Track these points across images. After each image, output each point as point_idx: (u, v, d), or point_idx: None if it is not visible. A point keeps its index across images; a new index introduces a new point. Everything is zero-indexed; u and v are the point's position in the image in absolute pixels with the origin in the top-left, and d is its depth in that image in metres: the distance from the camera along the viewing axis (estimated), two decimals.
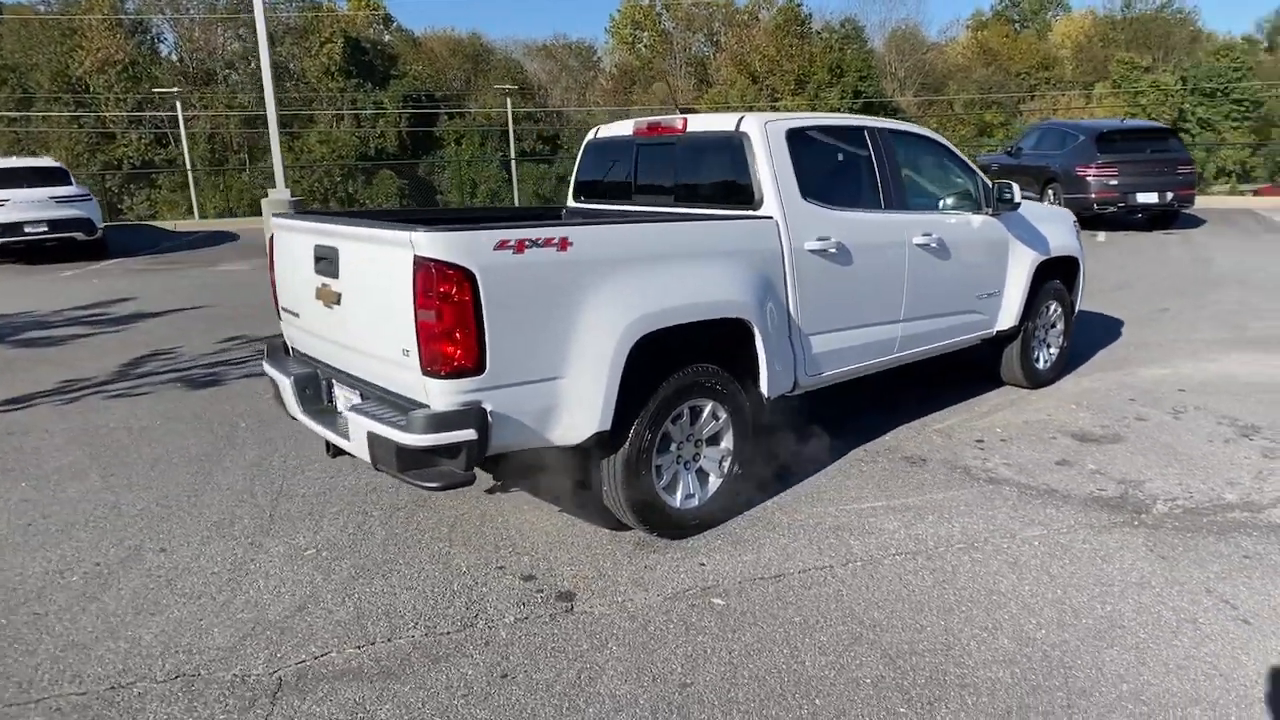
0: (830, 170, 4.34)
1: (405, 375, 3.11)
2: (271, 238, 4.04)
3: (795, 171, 3.99)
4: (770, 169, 3.96)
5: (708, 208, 4.20)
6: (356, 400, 3.45)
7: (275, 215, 4.21)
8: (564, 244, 3.16)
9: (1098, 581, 3.16)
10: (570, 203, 5.19)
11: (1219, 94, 45.85)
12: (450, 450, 3.08)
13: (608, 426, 3.29)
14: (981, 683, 2.59)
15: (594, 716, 2.49)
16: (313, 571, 3.38)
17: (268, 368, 4.01)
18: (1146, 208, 12.96)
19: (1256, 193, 23.29)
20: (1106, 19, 54.04)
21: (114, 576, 3.35)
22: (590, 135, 5.09)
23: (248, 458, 4.62)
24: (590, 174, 5.06)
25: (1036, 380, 5.58)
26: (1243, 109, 45.98)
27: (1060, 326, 5.74)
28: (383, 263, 3.13)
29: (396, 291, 3.02)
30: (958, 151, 5.08)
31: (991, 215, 4.99)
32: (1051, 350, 5.72)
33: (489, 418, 3.09)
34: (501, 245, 3.04)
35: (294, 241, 3.73)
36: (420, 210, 16.51)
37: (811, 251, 3.95)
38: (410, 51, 49.41)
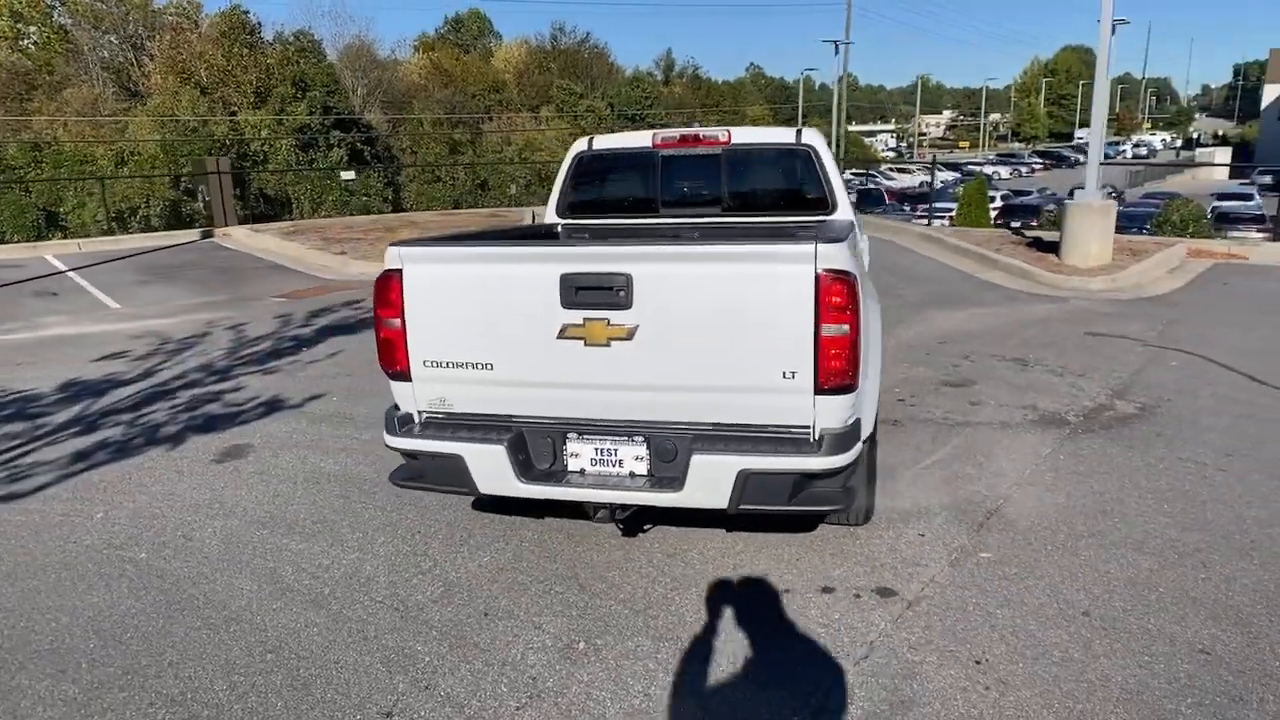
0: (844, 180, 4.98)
1: (780, 402, 3.05)
2: (393, 276, 3.21)
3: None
4: (838, 177, 4.59)
5: (771, 216, 4.46)
6: (633, 450, 3.24)
7: (408, 245, 3.29)
8: None
9: None
10: (554, 218, 4.73)
11: (638, 118, 56.31)
12: (848, 470, 3.13)
13: (873, 426, 3.60)
14: None
15: None
16: None
17: (432, 444, 3.31)
18: None
19: None
20: (540, 49, 61.61)
21: None
22: (579, 148, 4.88)
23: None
24: (587, 189, 4.82)
25: None
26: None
27: None
28: (742, 281, 2.97)
29: (781, 309, 2.93)
30: None
31: None
32: None
33: (861, 432, 3.20)
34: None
35: (494, 275, 3.16)
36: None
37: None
38: None
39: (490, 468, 3.24)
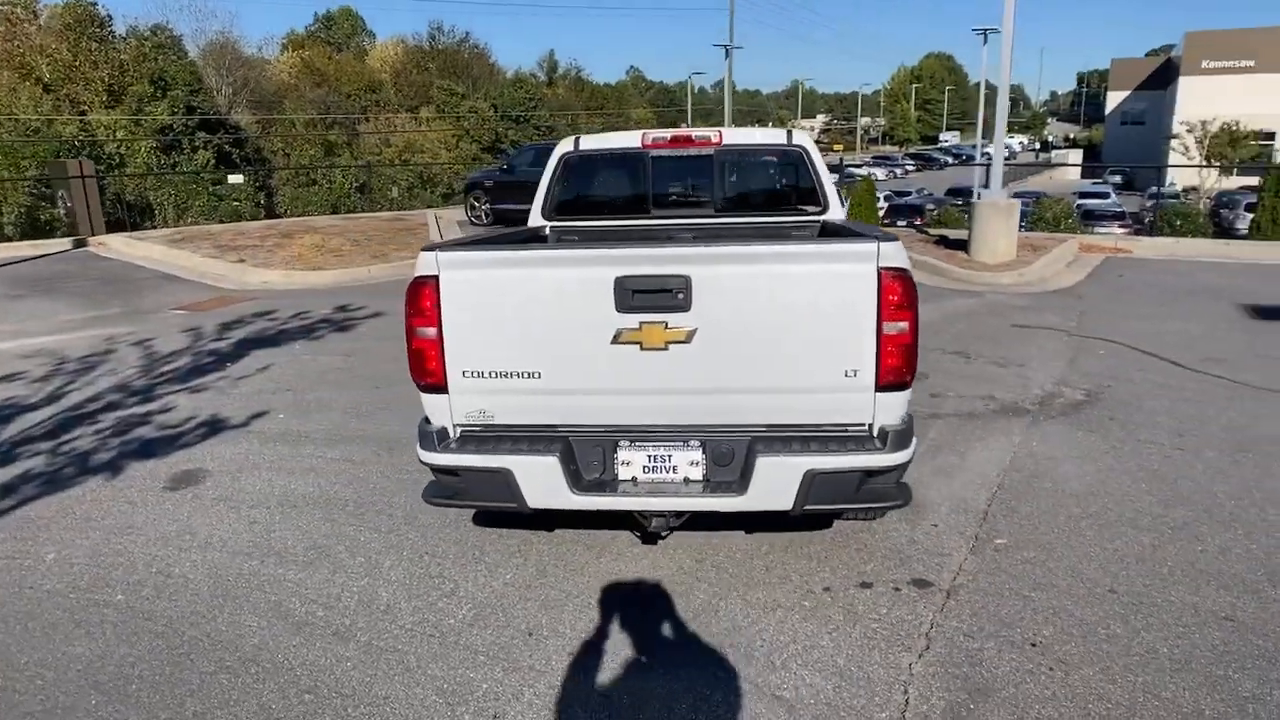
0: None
1: (841, 400, 3.10)
2: (427, 283, 3.05)
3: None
4: (829, 176, 4.67)
5: (764, 215, 4.45)
6: (688, 455, 3.19)
7: (445, 250, 3.10)
8: None
9: None
10: (541, 220, 4.57)
11: (522, 120, 55.78)
12: (903, 467, 3.18)
13: None
14: None
15: None
16: None
17: (476, 458, 3.14)
18: None
19: None
20: (417, 48, 60.14)
21: None
22: (565, 149, 4.78)
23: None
24: (575, 190, 4.72)
25: None
26: (541, 133, 56.86)
27: None
28: (808, 281, 2.99)
29: (843, 308, 2.98)
30: None
31: None
32: None
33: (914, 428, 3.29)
34: None
35: (541, 279, 3.05)
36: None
37: None
38: None
39: (541, 481, 3.11)
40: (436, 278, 3.09)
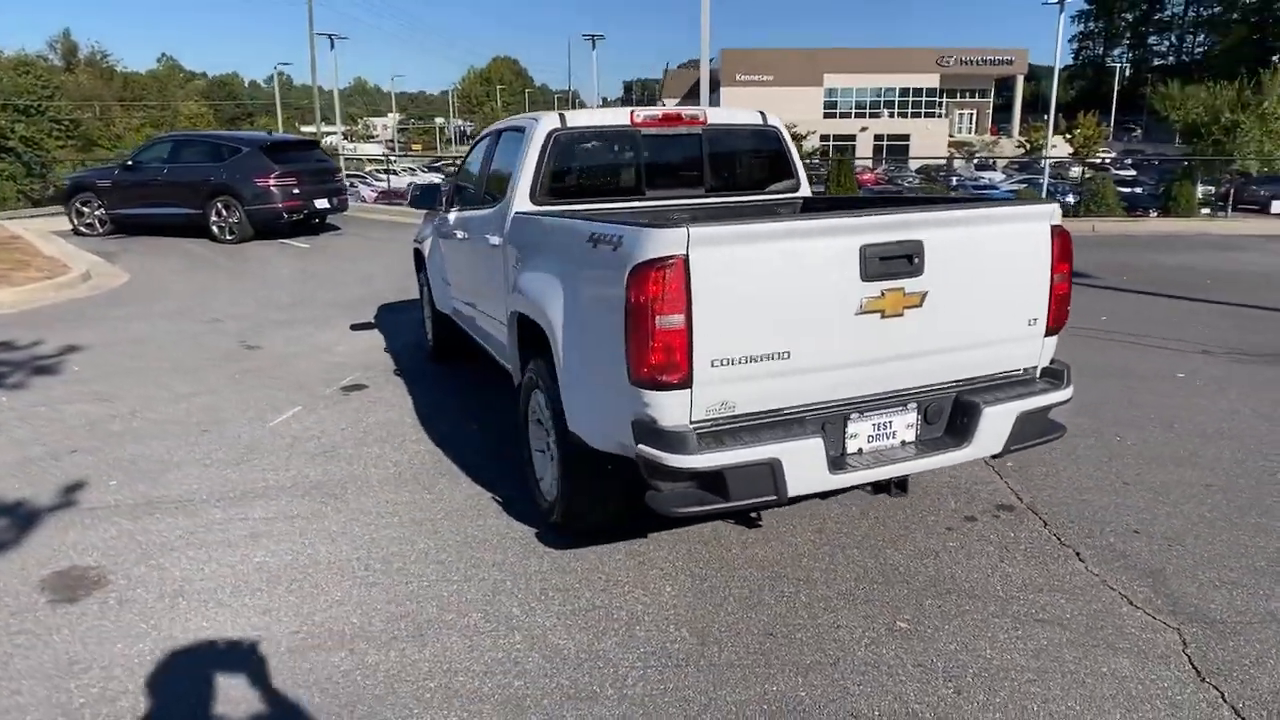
0: None
1: (1022, 348, 3.50)
2: (671, 263, 2.76)
3: None
4: (798, 154, 5.11)
5: (750, 194, 4.68)
6: (905, 418, 3.31)
7: (696, 226, 2.83)
8: None
9: None
10: (529, 205, 4.12)
11: (35, 111, 46.49)
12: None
13: None
14: None
15: None
16: None
17: (741, 453, 2.88)
18: (322, 213, 14.21)
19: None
20: None
21: None
22: (551, 125, 4.42)
23: None
24: (566, 171, 4.50)
25: None
26: (64, 128, 48.14)
27: None
28: (1007, 239, 3.35)
29: (1030, 261, 3.39)
30: None
31: None
32: None
33: None
34: None
35: (791, 252, 2.94)
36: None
37: None
38: None
39: (806, 466, 2.96)
40: (686, 257, 2.79)
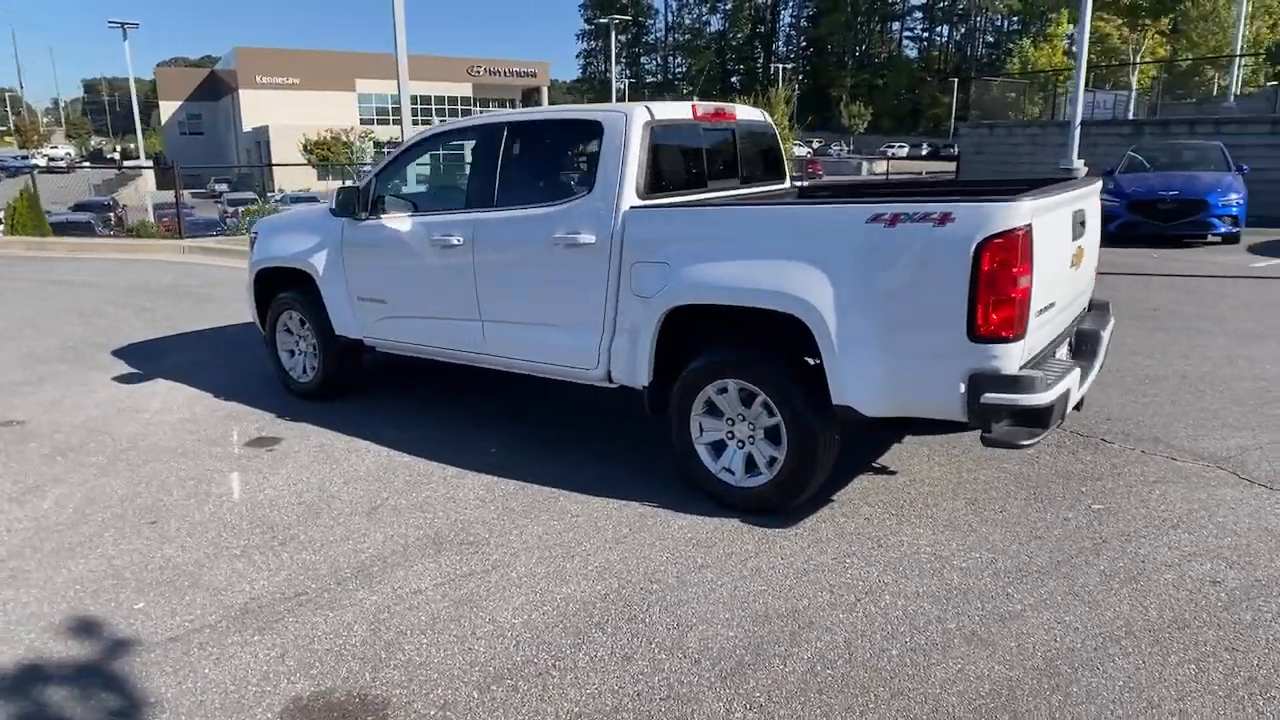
0: None
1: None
2: (1020, 231, 3.35)
3: None
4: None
5: (764, 185, 5.47)
6: (1065, 348, 4.28)
7: (1033, 198, 3.50)
8: None
9: None
10: (635, 199, 4.29)
11: None
12: None
13: None
14: None
15: None
16: None
17: (1065, 385, 3.56)
18: None
19: None
20: None
21: None
22: (644, 118, 4.38)
23: None
24: (661, 164, 4.50)
25: None
26: None
27: None
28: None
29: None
30: None
31: None
32: None
33: None
34: None
35: (1058, 218, 3.84)
36: None
37: None
38: None
39: (1072, 391, 3.65)
40: (1030, 225, 3.31)
